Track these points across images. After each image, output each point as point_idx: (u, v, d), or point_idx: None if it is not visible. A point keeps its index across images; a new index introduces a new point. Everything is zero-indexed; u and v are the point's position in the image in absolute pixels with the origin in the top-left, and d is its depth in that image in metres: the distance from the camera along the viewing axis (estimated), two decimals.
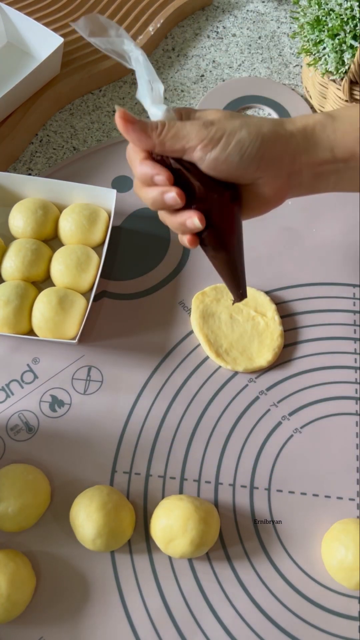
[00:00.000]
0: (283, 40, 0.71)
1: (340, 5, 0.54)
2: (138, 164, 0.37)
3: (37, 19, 0.65)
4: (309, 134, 0.37)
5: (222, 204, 0.37)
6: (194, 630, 0.40)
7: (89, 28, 0.35)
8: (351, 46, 0.54)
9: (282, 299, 0.52)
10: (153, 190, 0.37)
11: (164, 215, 0.39)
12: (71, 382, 0.49)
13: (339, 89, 0.59)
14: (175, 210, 0.38)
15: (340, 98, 0.59)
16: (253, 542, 0.43)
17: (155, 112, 0.36)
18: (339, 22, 0.54)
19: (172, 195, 0.36)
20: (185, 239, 0.39)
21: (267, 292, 0.52)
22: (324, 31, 0.56)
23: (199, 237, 0.39)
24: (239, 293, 0.43)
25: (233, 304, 0.45)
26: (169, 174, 0.36)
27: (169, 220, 0.39)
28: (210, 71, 0.68)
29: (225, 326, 0.50)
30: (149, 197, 0.37)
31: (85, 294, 0.51)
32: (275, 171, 0.38)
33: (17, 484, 0.41)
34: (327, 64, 0.57)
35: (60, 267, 0.50)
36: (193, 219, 0.37)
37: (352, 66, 0.54)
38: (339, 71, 0.56)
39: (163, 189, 0.36)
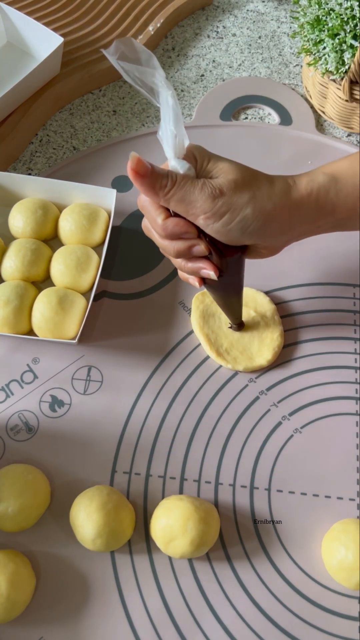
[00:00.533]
0: (283, 40, 0.71)
1: (340, 5, 0.54)
2: (161, 221, 0.37)
3: (37, 19, 0.65)
4: (312, 202, 0.38)
5: (231, 257, 0.39)
6: (194, 630, 0.40)
7: (120, 51, 0.33)
8: (351, 46, 0.54)
9: (282, 299, 0.52)
10: (179, 243, 0.38)
11: (175, 260, 0.40)
12: (71, 382, 0.49)
13: (339, 89, 0.59)
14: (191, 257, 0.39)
15: (340, 98, 0.59)
16: (253, 542, 0.43)
17: (175, 166, 0.35)
18: (339, 21, 0.54)
19: (201, 249, 0.38)
20: (191, 280, 0.41)
21: (267, 292, 0.52)
22: (324, 31, 0.56)
23: (204, 279, 0.41)
24: (237, 323, 0.48)
25: (230, 327, 0.50)
26: (196, 231, 0.37)
27: (181, 264, 0.40)
28: (210, 71, 0.68)
29: (226, 326, 0.50)
30: (174, 249, 0.38)
31: (85, 294, 0.51)
32: (275, 240, 0.39)
33: (17, 484, 0.41)
34: (327, 64, 0.57)
35: (60, 267, 0.50)
36: (210, 272, 0.38)
37: (352, 66, 0.54)
38: (339, 71, 0.56)
39: (191, 242, 0.37)
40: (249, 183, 0.37)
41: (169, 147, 0.35)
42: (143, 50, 0.33)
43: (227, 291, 0.43)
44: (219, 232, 0.37)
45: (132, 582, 0.42)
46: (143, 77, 0.33)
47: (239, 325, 0.49)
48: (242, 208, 0.36)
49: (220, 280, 0.40)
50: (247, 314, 0.50)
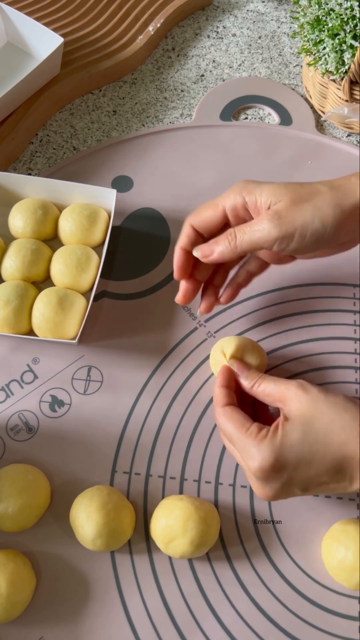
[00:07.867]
0: (283, 40, 0.71)
1: (340, 5, 0.54)
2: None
3: (37, 19, 0.65)
4: None
5: None
6: (194, 631, 0.40)
7: None
8: (351, 46, 0.54)
9: (282, 299, 0.52)
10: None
11: None
12: (71, 382, 0.49)
13: (339, 89, 0.59)
14: None
15: (340, 98, 0.59)
16: (253, 542, 0.43)
17: None
18: (339, 22, 0.54)
19: None
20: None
21: (267, 292, 0.52)
22: (324, 31, 0.56)
23: None
24: None
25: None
26: None
27: None
28: (210, 71, 0.68)
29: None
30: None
31: (85, 294, 0.51)
32: (350, 238, 0.40)
33: (17, 484, 0.41)
34: (327, 64, 0.57)
35: (60, 267, 0.50)
36: None
37: (352, 66, 0.54)
38: (339, 71, 0.56)
39: None
40: (303, 195, 0.38)
41: None
42: None
43: None
44: (296, 251, 0.38)
45: (132, 582, 0.42)
46: None
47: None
48: (310, 223, 0.37)
49: None
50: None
